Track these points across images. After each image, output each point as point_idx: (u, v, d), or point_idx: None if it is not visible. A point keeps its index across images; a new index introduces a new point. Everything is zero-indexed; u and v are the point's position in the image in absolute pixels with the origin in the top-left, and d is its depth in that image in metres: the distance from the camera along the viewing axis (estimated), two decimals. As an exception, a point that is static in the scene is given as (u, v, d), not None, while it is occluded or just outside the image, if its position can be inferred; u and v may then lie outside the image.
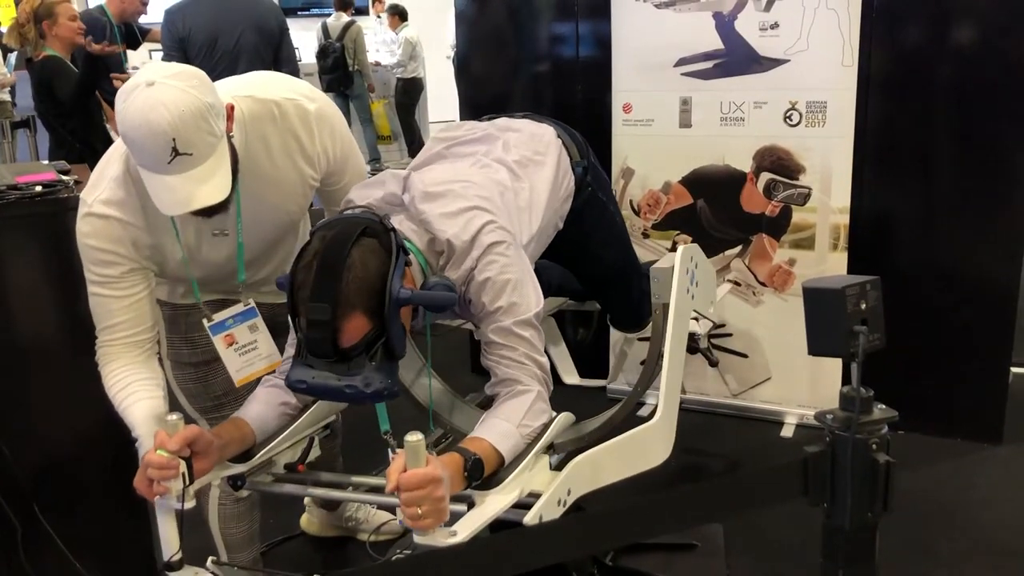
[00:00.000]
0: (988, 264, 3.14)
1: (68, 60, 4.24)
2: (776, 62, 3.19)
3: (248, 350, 2.05)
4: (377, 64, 9.56)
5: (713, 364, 2.81)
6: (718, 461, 3.20)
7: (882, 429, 1.35)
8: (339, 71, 8.54)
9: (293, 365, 1.67)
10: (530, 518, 1.58)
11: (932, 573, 2.55)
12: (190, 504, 1.65)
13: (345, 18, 8.75)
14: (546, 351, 1.87)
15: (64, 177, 2.23)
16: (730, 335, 3.45)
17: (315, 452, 1.94)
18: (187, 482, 1.63)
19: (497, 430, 1.70)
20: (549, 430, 1.76)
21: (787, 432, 3.40)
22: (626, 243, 2.49)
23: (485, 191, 1.90)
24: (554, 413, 1.82)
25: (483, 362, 1.84)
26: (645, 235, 3.52)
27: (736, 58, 3.24)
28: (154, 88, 1.62)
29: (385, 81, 9.51)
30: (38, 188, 2.15)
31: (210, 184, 1.68)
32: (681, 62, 3.32)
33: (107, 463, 2.24)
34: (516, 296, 1.79)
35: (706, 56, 3.28)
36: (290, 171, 1.98)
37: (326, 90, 8.17)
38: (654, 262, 2.34)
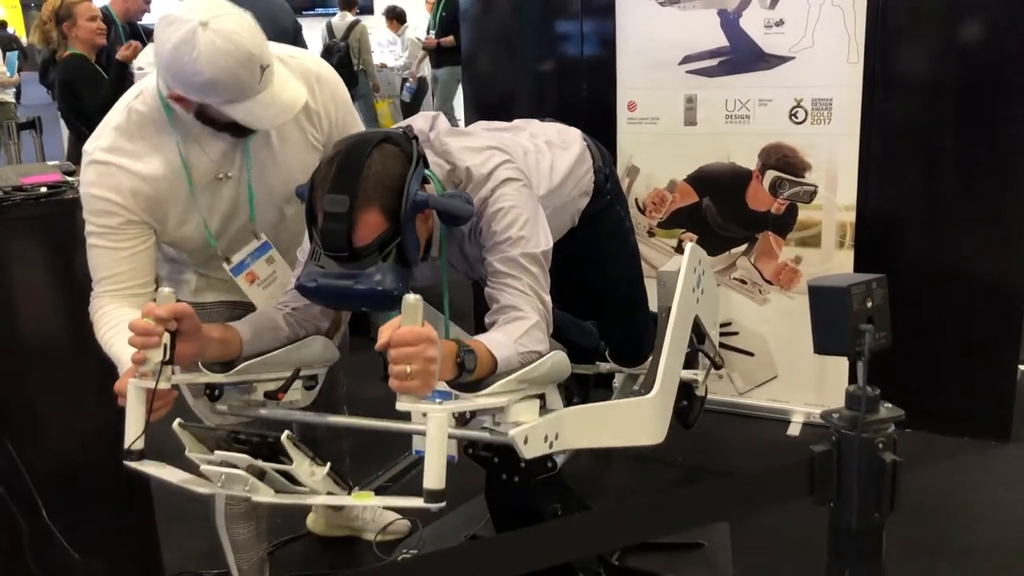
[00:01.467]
0: (996, 261, 3.13)
1: (92, 59, 4.26)
2: (781, 59, 3.18)
3: (269, 283, 2.09)
4: (383, 66, 9.56)
5: (718, 367, 2.80)
6: (724, 460, 3.19)
7: (888, 428, 1.34)
8: (343, 71, 8.51)
9: (304, 267, 1.67)
10: (517, 433, 1.55)
11: (939, 572, 2.54)
12: (164, 386, 1.58)
13: (350, 18, 8.74)
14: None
15: (69, 178, 2.23)
16: (736, 333, 3.45)
17: (294, 395, 1.89)
18: (166, 357, 1.57)
19: (493, 339, 1.67)
20: (543, 362, 1.71)
21: (794, 431, 3.39)
22: (636, 266, 2.48)
23: (509, 144, 1.97)
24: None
25: (486, 292, 1.83)
26: (651, 233, 3.51)
27: (741, 55, 3.23)
28: (212, 24, 1.68)
29: (389, 81, 9.51)
30: (43, 189, 2.15)
31: (291, 84, 1.80)
32: (686, 60, 3.31)
33: (113, 465, 2.23)
34: (526, 231, 1.81)
35: (711, 53, 3.27)
36: (293, 128, 2.01)
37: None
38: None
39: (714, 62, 3.28)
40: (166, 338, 1.57)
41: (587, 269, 2.35)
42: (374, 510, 2.80)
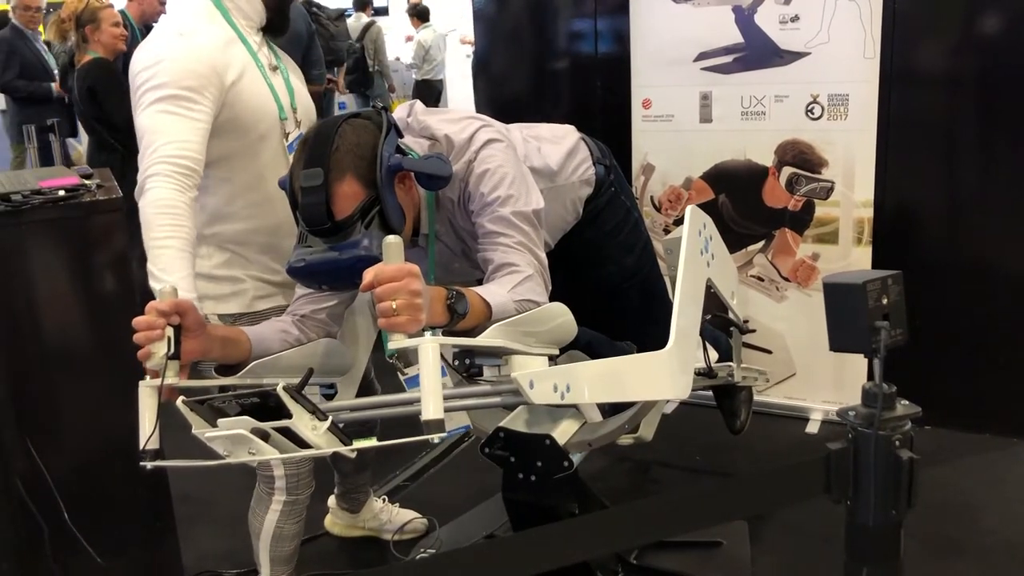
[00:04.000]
0: (1015, 256, 3.11)
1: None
2: (797, 55, 3.16)
3: None
4: (397, 59, 9.59)
5: (744, 332, 2.76)
6: (742, 458, 3.18)
7: (905, 425, 1.33)
8: (359, 72, 8.56)
9: (293, 250, 1.68)
10: (522, 375, 1.53)
11: (959, 571, 2.51)
12: (171, 381, 1.58)
13: (365, 19, 8.78)
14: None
15: (87, 181, 2.25)
16: (754, 331, 3.42)
17: (313, 399, 1.89)
18: (171, 350, 1.56)
19: (486, 289, 1.67)
20: (547, 314, 1.70)
21: (812, 428, 3.38)
22: (650, 254, 2.44)
23: (488, 120, 1.97)
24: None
25: (479, 257, 1.82)
26: (667, 231, 3.50)
27: (756, 52, 3.22)
28: None
29: (405, 81, 9.54)
30: (61, 192, 2.16)
31: None
32: (701, 57, 3.30)
33: (134, 466, 2.25)
34: (514, 190, 1.81)
35: (726, 50, 3.26)
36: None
37: (347, 90, 8.22)
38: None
39: (729, 59, 3.27)
40: (169, 331, 1.57)
41: (602, 265, 2.34)
42: (391, 510, 2.81)
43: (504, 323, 1.59)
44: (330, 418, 1.50)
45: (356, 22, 8.71)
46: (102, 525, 2.22)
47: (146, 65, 1.94)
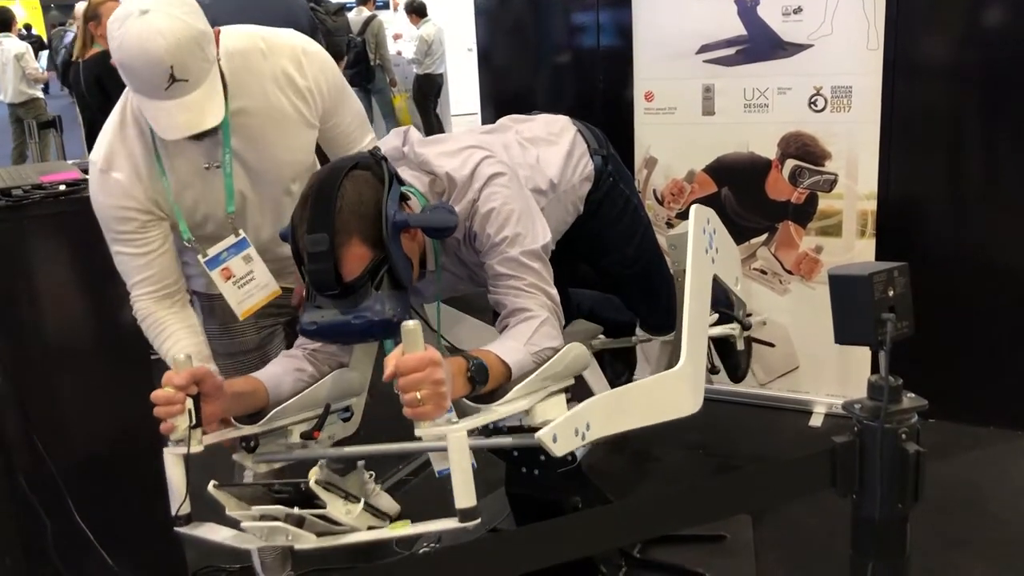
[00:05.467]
0: (1019, 248, 3.10)
1: None
2: (800, 47, 3.15)
3: (246, 281, 2.04)
4: (399, 53, 9.56)
5: (747, 328, 2.77)
6: (746, 452, 3.18)
7: (911, 418, 1.33)
8: (360, 65, 8.54)
9: (304, 310, 1.68)
10: (544, 433, 1.53)
11: (966, 565, 2.51)
12: (197, 449, 1.59)
13: (366, 13, 8.75)
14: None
15: (87, 176, 2.24)
16: (754, 325, 3.42)
17: (333, 429, 1.91)
18: (193, 421, 1.58)
19: (503, 346, 1.67)
20: (561, 358, 1.71)
21: (816, 422, 3.37)
22: (651, 239, 2.45)
23: (485, 142, 1.94)
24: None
25: (491, 299, 1.82)
26: (670, 224, 3.49)
27: (759, 44, 3.20)
28: (148, 16, 1.65)
29: (406, 75, 9.51)
30: (62, 187, 2.16)
31: (206, 108, 1.72)
32: (703, 49, 3.29)
33: (139, 460, 2.25)
34: (521, 227, 1.79)
35: (728, 42, 3.25)
36: (284, 105, 1.96)
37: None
38: None
39: (732, 51, 3.25)
40: (189, 403, 1.58)
41: (604, 255, 2.34)
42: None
43: (524, 384, 1.61)
44: (363, 501, 1.53)
45: (357, 16, 8.69)
46: (106, 520, 2.22)
47: (91, 188, 1.92)
